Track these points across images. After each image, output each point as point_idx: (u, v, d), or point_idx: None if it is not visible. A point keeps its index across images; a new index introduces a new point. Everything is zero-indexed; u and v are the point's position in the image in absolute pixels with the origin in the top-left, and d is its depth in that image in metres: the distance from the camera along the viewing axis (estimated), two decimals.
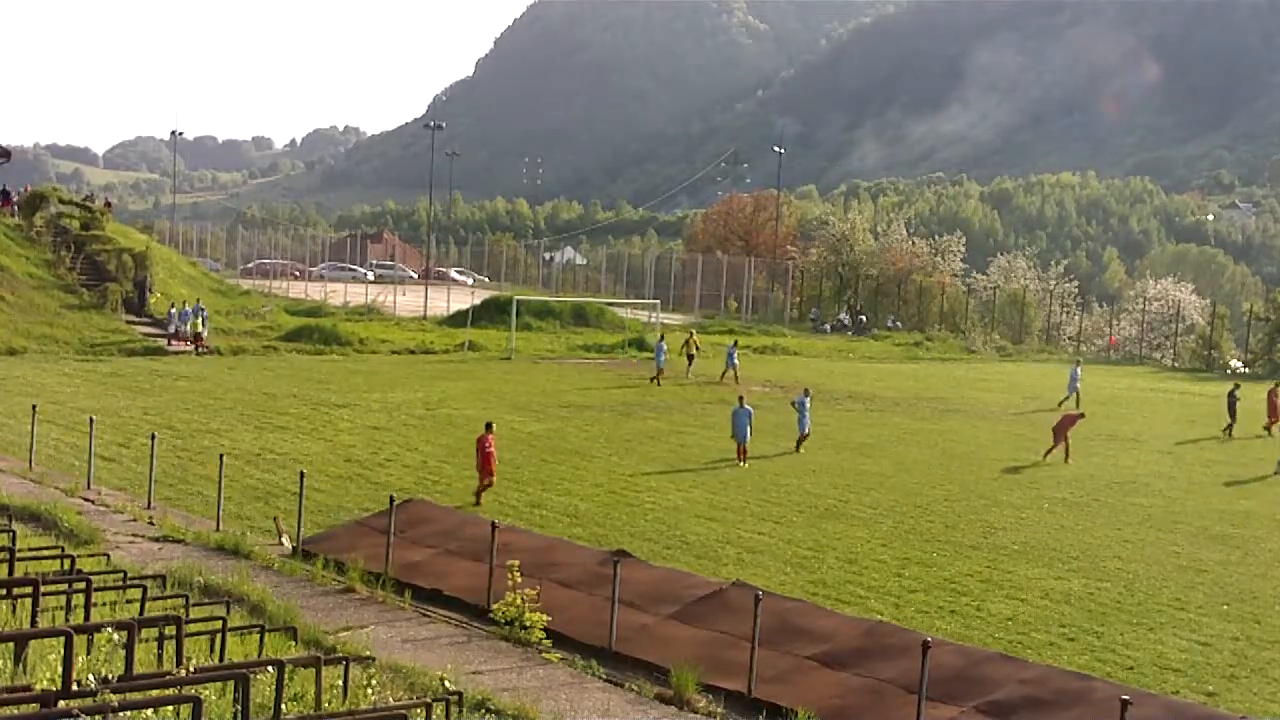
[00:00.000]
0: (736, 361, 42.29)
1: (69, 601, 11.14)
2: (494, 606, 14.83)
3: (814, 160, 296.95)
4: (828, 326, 70.58)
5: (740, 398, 27.23)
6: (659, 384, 39.68)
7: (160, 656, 10.27)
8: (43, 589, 10.09)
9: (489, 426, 22.22)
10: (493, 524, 15.98)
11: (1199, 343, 65.11)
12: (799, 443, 28.11)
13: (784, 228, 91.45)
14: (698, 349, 44.07)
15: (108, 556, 15.88)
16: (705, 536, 19.67)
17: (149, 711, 7.26)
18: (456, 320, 55.54)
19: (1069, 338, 70.89)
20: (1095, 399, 43.55)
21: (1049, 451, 28.37)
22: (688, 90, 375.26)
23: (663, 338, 42.95)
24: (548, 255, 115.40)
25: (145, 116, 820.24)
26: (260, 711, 8.38)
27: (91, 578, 11.20)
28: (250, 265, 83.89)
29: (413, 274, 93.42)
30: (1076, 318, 72.90)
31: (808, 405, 28.26)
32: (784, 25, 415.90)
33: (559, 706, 12.41)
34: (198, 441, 25.74)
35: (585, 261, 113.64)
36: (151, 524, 18.65)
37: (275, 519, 19.11)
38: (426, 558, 17.19)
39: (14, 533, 14.08)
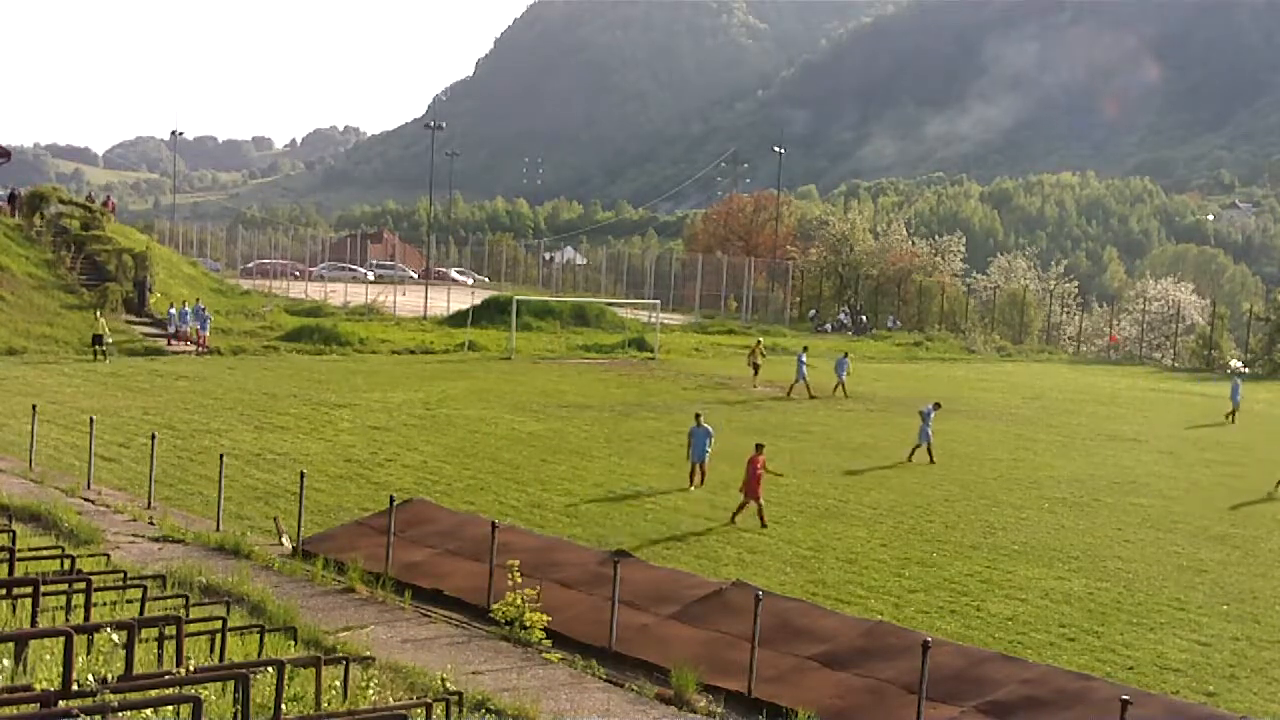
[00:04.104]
0: (845, 375, 39.20)
1: (69, 601, 11.14)
2: (494, 606, 14.84)
3: (814, 160, 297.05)
4: (828, 326, 70.54)
5: (697, 415, 24.32)
6: (811, 397, 37.84)
7: (160, 656, 10.28)
8: (43, 589, 10.10)
9: (759, 447, 20.99)
10: (493, 524, 15.98)
11: (1199, 343, 65.12)
12: (925, 453, 27.28)
13: (784, 228, 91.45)
14: (764, 356, 42.63)
15: (108, 556, 15.88)
16: (705, 536, 19.68)
17: (149, 711, 7.26)
18: (456, 320, 55.53)
19: (1069, 338, 70.90)
20: (1096, 399, 43.61)
21: None
22: (688, 90, 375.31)
23: (805, 349, 41.04)
24: (548, 255, 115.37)
25: (145, 116, 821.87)
26: (260, 711, 8.38)
27: (91, 578, 11.21)
28: (250, 265, 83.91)
29: (413, 274, 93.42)
30: (1076, 318, 72.89)
31: (931, 417, 27.50)
32: (784, 25, 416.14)
33: (559, 706, 12.41)
34: (198, 441, 25.74)
35: (585, 261, 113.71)
36: (151, 524, 18.64)
37: (275, 519, 19.11)
38: (426, 558, 17.19)
39: (14, 533, 14.09)
